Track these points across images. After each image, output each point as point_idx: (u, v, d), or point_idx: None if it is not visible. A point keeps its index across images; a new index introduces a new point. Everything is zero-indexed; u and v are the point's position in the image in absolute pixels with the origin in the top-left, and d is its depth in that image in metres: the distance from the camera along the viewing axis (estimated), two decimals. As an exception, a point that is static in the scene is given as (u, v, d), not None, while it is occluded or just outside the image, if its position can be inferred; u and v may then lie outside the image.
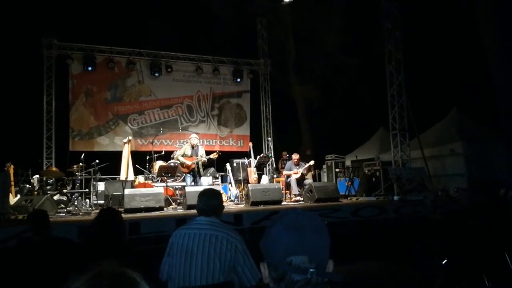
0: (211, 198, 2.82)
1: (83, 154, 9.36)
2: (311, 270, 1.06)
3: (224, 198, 9.31)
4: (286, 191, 10.02)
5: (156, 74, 13.00)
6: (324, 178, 13.24)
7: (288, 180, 9.81)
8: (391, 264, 5.70)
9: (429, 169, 10.72)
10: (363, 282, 4.22)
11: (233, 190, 9.92)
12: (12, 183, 8.27)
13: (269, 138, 14.44)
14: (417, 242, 5.08)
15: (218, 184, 10.58)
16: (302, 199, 9.41)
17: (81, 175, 9.38)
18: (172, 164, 9.70)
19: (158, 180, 9.75)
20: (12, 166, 8.42)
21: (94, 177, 9.17)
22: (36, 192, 9.03)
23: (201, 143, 10.11)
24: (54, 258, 2.94)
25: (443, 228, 4.73)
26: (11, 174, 8.27)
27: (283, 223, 1.12)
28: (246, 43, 15.70)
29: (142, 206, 7.51)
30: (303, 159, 10.48)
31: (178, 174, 9.76)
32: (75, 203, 8.67)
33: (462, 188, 9.32)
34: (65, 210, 8.31)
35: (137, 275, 0.90)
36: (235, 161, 10.78)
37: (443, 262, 4.48)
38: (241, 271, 2.61)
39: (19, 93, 13.31)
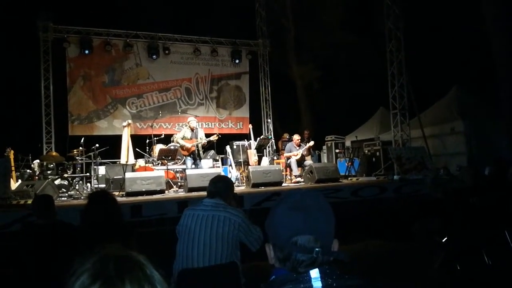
0: (218, 182, 2.98)
1: (82, 138, 9.32)
2: (317, 249, 1.06)
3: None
4: (287, 173, 10.04)
5: (154, 57, 12.86)
6: (324, 159, 13.23)
7: (288, 162, 9.81)
8: (391, 243, 5.75)
9: (430, 148, 10.71)
10: (364, 261, 4.26)
11: (234, 172, 9.92)
12: (13, 168, 8.27)
13: (269, 120, 14.36)
14: (417, 221, 5.11)
15: (219, 167, 10.56)
16: (302, 180, 9.43)
17: (81, 159, 9.36)
18: (172, 147, 9.68)
19: (158, 164, 9.73)
20: (12, 151, 8.43)
21: (94, 161, 9.15)
22: (37, 177, 9.03)
23: (200, 126, 10.08)
24: (59, 242, 2.96)
25: (443, 206, 4.75)
26: (12, 159, 8.27)
27: (288, 203, 1.12)
28: (244, 24, 15.50)
29: (144, 189, 7.52)
30: (303, 140, 10.46)
31: (179, 157, 9.75)
32: (76, 187, 8.68)
33: (464, 166, 9.34)
34: (67, 194, 8.31)
35: (142, 257, 0.90)
36: (235, 143, 10.75)
37: (443, 240, 4.52)
38: (246, 240, 2.76)
39: (18, 77, 13.23)
